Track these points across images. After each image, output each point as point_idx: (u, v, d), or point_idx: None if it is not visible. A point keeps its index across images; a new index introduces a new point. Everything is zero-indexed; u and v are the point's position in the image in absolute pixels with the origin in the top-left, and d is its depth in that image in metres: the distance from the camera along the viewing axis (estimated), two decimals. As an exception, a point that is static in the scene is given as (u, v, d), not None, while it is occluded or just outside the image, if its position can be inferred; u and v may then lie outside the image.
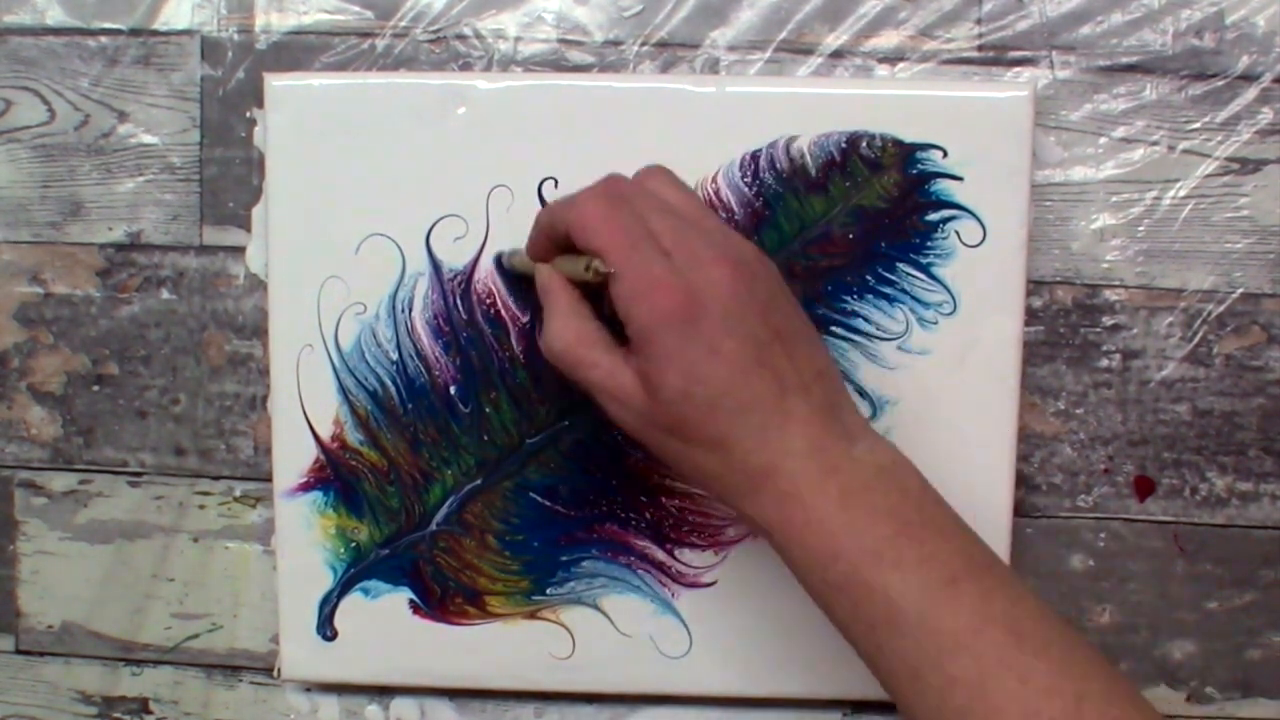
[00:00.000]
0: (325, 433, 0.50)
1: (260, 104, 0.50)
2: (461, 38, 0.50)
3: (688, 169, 0.48)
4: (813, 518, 0.37)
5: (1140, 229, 0.50)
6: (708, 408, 0.37)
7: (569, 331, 0.39)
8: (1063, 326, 0.50)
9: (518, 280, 0.49)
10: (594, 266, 0.38)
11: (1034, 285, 0.50)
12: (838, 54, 0.50)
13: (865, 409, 0.48)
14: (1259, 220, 0.49)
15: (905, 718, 0.37)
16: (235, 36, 0.51)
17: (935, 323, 0.48)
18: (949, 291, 0.48)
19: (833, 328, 0.48)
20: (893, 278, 0.48)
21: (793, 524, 0.37)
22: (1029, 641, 0.35)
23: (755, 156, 0.48)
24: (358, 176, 0.49)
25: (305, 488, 0.50)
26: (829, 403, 0.38)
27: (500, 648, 0.51)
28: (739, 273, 0.37)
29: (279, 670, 0.52)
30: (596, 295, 0.40)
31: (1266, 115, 0.49)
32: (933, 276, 0.48)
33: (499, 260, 0.48)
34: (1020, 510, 0.50)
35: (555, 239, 0.41)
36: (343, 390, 0.50)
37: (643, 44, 0.50)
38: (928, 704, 0.35)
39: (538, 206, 0.48)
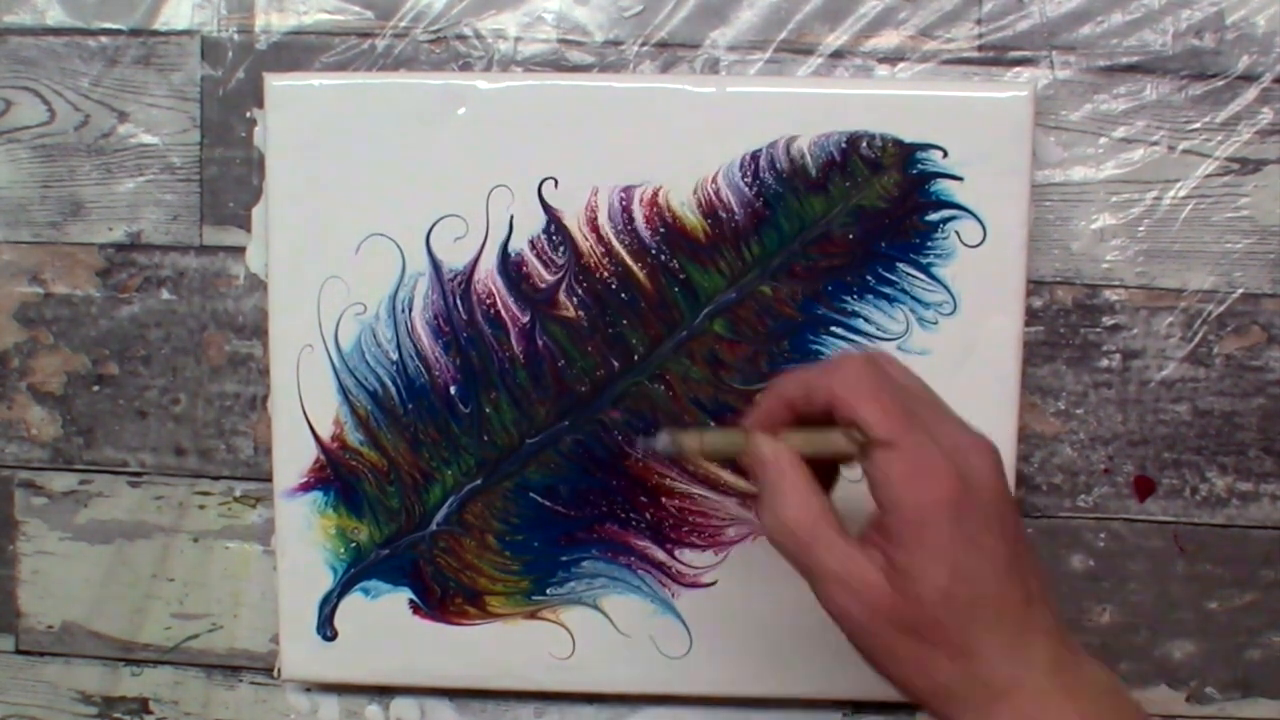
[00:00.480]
0: (325, 433, 0.50)
1: (260, 104, 0.50)
2: (461, 38, 0.50)
3: (688, 169, 0.48)
4: None
5: (1140, 229, 0.50)
6: (966, 610, 0.34)
7: (809, 509, 0.36)
8: (1063, 326, 0.50)
9: (518, 281, 0.49)
10: (858, 437, 0.35)
11: (1034, 285, 0.50)
12: (838, 54, 0.50)
13: (865, 409, 0.48)
14: (1259, 220, 0.49)
15: None
16: (235, 36, 0.51)
17: (935, 323, 0.48)
18: (949, 291, 0.48)
19: (833, 328, 0.48)
20: (893, 278, 0.48)
21: None
22: None
23: (755, 156, 0.48)
24: (358, 176, 0.49)
25: (305, 488, 0.50)
26: (1059, 615, 0.36)
27: (500, 648, 0.51)
28: (998, 466, 0.35)
29: (279, 670, 0.52)
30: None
31: (1266, 115, 0.49)
32: (933, 276, 0.48)
33: (651, 449, 0.43)
34: (1020, 510, 0.50)
35: (797, 410, 0.37)
36: (343, 390, 0.50)
37: (643, 44, 0.50)
38: None
39: (538, 206, 0.48)
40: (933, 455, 0.34)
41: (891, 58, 0.50)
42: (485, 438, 0.50)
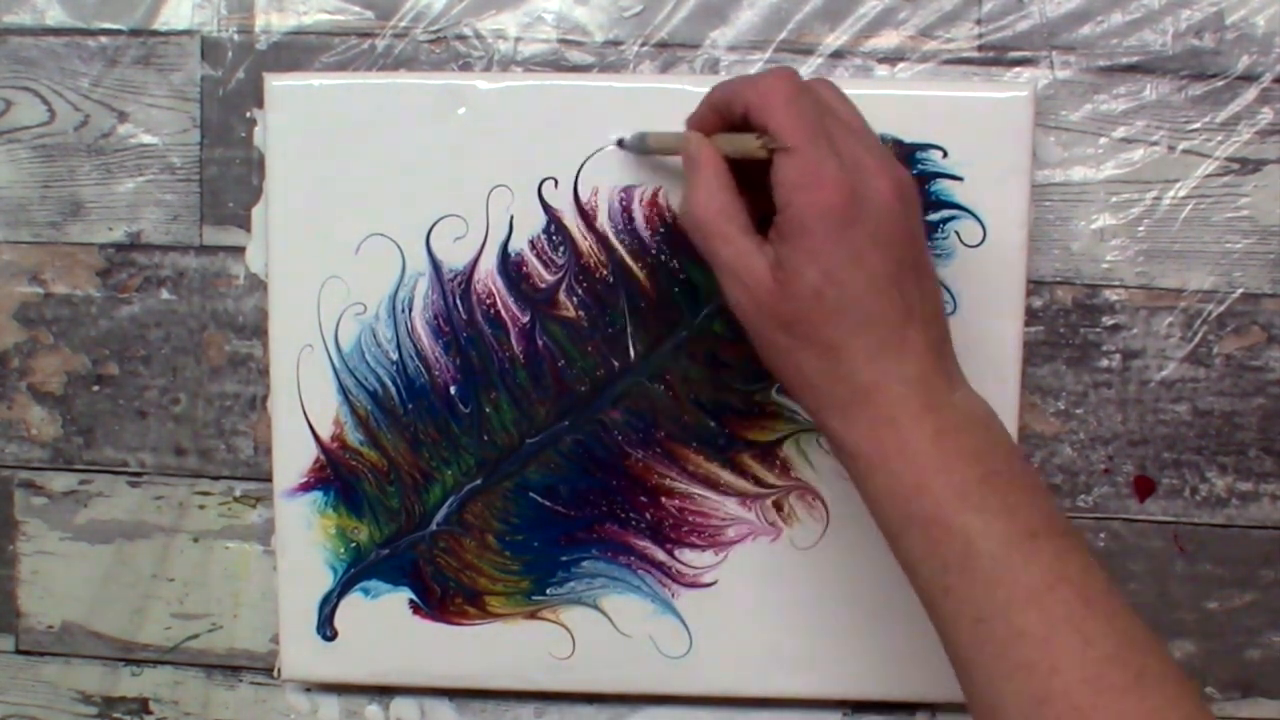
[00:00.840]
0: (325, 433, 0.50)
1: (260, 104, 0.50)
2: (461, 38, 0.50)
3: (688, 169, 0.48)
4: (906, 447, 0.37)
5: (1140, 229, 0.50)
6: (834, 311, 0.37)
7: (714, 202, 0.39)
8: (1063, 326, 0.50)
9: (518, 281, 0.49)
10: (767, 143, 0.37)
11: (1034, 285, 0.50)
12: (838, 54, 0.50)
13: (865, 409, 0.48)
14: (1259, 220, 0.49)
15: (956, 666, 0.37)
16: (235, 36, 0.51)
17: (935, 323, 0.48)
18: (949, 291, 0.48)
19: (833, 328, 0.48)
20: (893, 278, 0.48)
21: (884, 449, 0.37)
22: (1097, 608, 0.35)
23: (755, 156, 0.48)
24: (358, 176, 0.49)
25: (305, 488, 0.50)
26: (941, 342, 0.39)
27: (500, 648, 0.51)
28: (899, 191, 0.37)
29: (279, 670, 0.52)
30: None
31: (1266, 115, 0.49)
32: (933, 276, 0.48)
33: (621, 143, 0.47)
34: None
35: (724, 115, 0.41)
36: (343, 390, 0.50)
37: (643, 44, 0.50)
38: (986, 653, 0.35)
39: (538, 206, 0.48)
40: (829, 166, 0.36)
41: (891, 58, 0.50)
42: (485, 438, 0.50)
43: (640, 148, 0.46)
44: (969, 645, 0.36)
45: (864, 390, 0.37)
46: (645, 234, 0.48)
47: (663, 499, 0.50)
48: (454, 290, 0.49)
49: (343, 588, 0.51)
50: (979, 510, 0.36)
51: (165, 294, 0.52)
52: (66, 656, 0.55)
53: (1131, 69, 0.49)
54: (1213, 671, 0.52)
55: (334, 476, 0.50)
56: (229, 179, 0.51)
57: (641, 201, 0.48)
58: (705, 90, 0.47)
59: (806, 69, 0.50)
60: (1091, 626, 0.34)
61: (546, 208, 0.48)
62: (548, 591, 0.50)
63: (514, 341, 0.49)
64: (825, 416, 0.38)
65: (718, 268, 0.39)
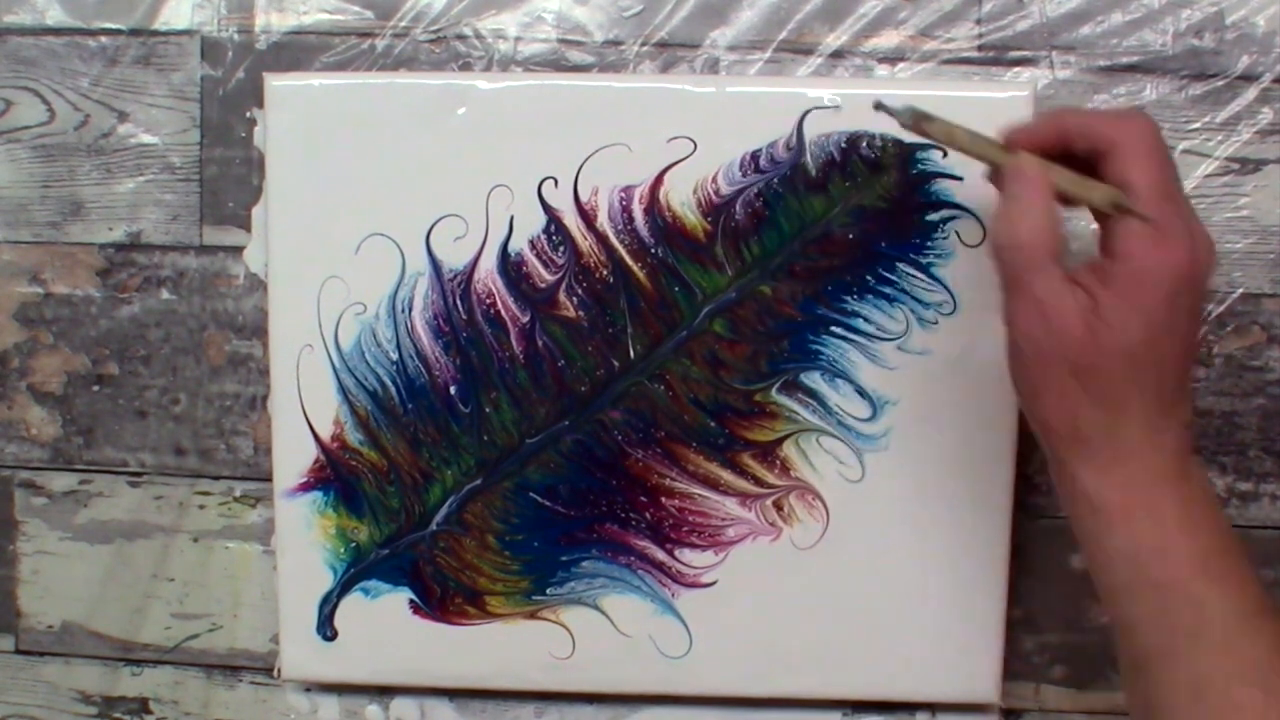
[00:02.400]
0: (325, 433, 0.50)
1: (260, 104, 0.50)
2: (461, 38, 0.50)
3: (688, 169, 0.48)
4: (1155, 510, 0.37)
5: (1140, 229, 0.50)
6: (1140, 371, 0.36)
7: (1039, 231, 0.37)
8: (1063, 326, 0.50)
9: (518, 281, 0.49)
10: (1126, 204, 0.36)
11: (1034, 285, 0.49)
12: (838, 54, 0.50)
13: (865, 409, 0.48)
14: (1259, 220, 0.49)
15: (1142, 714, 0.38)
16: (235, 36, 0.51)
17: (935, 323, 0.48)
18: (949, 291, 0.48)
19: (833, 328, 0.48)
20: (893, 278, 0.48)
21: (1131, 508, 0.37)
22: None
23: (755, 156, 0.48)
24: (358, 176, 0.49)
25: (305, 488, 0.50)
26: (1191, 413, 0.39)
27: (500, 648, 0.51)
28: (1213, 259, 0.37)
29: (279, 670, 0.52)
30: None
31: (1266, 115, 0.49)
32: (933, 276, 0.48)
33: (880, 105, 0.39)
34: (1020, 510, 0.50)
35: (1064, 143, 0.38)
36: (343, 390, 0.50)
37: (643, 44, 0.50)
38: (1194, 717, 0.36)
39: (538, 206, 0.48)
40: (1179, 227, 0.36)
41: (891, 58, 0.50)
42: (485, 438, 0.50)
43: (910, 122, 0.39)
44: (1182, 711, 0.36)
45: (1130, 450, 0.37)
46: (645, 234, 0.48)
47: (663, 499, 0.50)
48: (454, 290, 0.49)
49: (343, 588, 0.51)
50: (1217, 580, 0.36)
51: (165, 294, 0.52)
52: (66, 656, 0.55)
53: (1131, 69, 0.49)
54: (1213, 671, 0.51)
55: (334, 476, 0.50)
56: (229, 179, 0.51)
57: (641, 201, 0.48)
58: (705, 90, 0.48)
59: (806, 69, 0.50)
60: None
61: (546, 208, 0.48)
62: (548, 591, 0.50)
63: (514, 341, 0.49)
64: (1077, 466, 0.38)
65: (1022, 298, 0.37)
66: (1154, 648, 0.37)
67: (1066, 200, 0.38)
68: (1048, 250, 0.37)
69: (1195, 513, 0.37)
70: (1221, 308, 0.50)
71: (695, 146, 0.48)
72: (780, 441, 0.49)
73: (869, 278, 0.48)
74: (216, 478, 0.53)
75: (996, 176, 0.39)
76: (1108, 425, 0.37)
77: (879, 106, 0.40)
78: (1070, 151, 0.38)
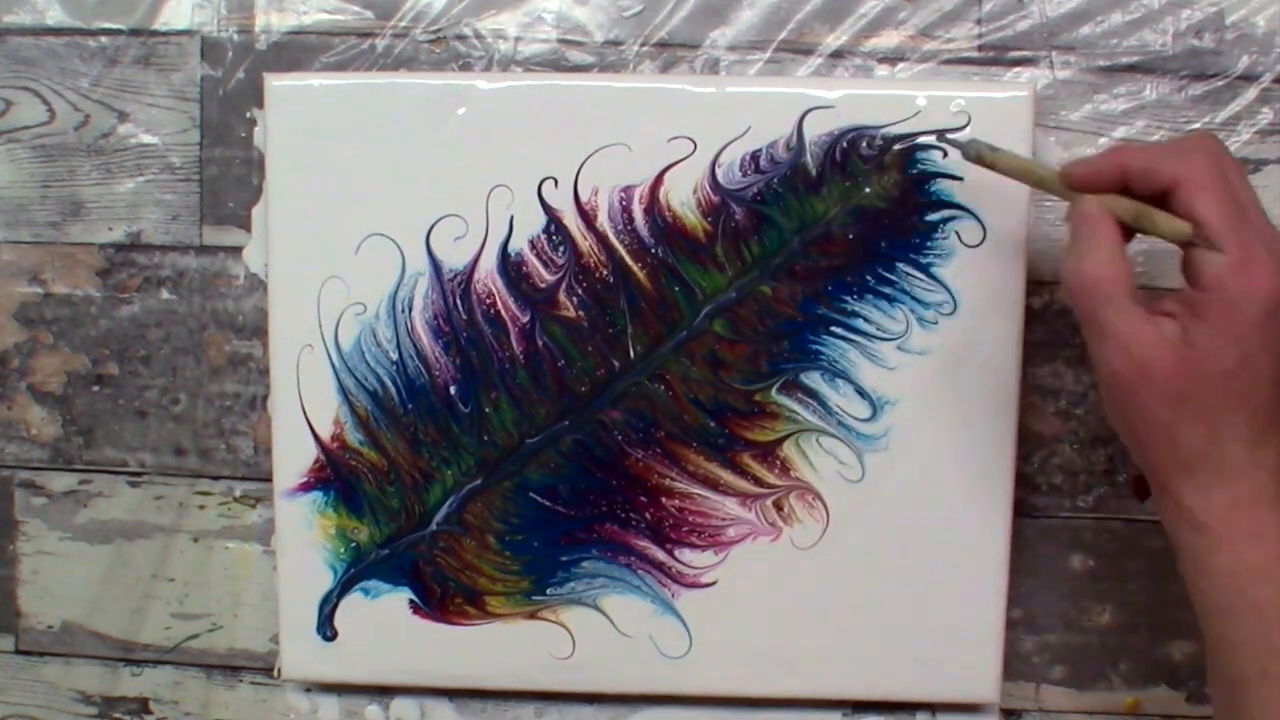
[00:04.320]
0: (325, 433, 0.50)
1: (260, 104, 0.50)
2: (461, 38, 0.50)
3: (688, 169, 0.48)
4: (1258, 532, 0.37)
5: (1140, 229, 0.50)
6: (1238, 395, 0.37)
7: (1110, 269, 0.38)
8: (1063, 326, 0.50)
9: (518, 281, 0.49)
10: (1191, 239, 0.37)
11: (1034, 285, 0.49)
12: (838, 54, 0.50)
13: (865, 409, 0.48)
14: (1259, 220, 0.49)
15: None
16: (235, 36, 0.51)
17: (935, 323, 0.48)
18: (949, 291, 0.48)
19: (833, 328, 0.48)
20: (893, 278, 0.48)
21: (1235, 530, 0.38)
22: None
23: (755, 156, 0.48)
24: (358, 176, 0.49)
25: (305, 488, 0.50)
26: None
27: (500, 648, 0.51)
28: None
29: (279, 670, 0.52)
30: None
31: (1266, 115, 0.49)
32: (933, 276, 0.48)
33: (944, 136, 0.45)
34: (1020, 510, 0.50)
35: (1127, 180, 0.39)
36: (343, 390, 0.50)
37: (643, 44, 0.50)
38: None
39: (538, 206, 0.48)
40: (1262, 253, 0.36)
41: (891, 58, 0.50)
42: (485, 438, 0.50)
43: (980, 158, 0.42)
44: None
45: (1234, 471, 0.38)
46: (645, 234, 0.48)
47: (663, 499, 0.50)
48: (454, 290, 0.49)
49: (343, 588, 0.51)
50: None
51: (165, 294, 0.52)
52: (66, 656, 0.55)
53: (1131, 69, 0.49)
54: (1213, 671, 0.52)
55: (334, 476, 0.50)
56: (229, 179, 0.51)
57: (641, 201, 0.48)
58: (705, 90, 0.48)
59: (806, 69, 0.50)
60: None
61: (546, 208, 0.48)
62: (548, 591, 0.50)
63: (514, 341, 0.49)
64: (1180, 488, 0.38)
65: (1102, 334, 0.38)
66: (1253, 669, 0.37)
67: (1136, 231, 0.39)
68: (1121, 287, 0.38)
69: None
70: (1221, 308, 0.50)
71: (695, 146, 0.48)
72: (780, 441, 0.49)
73: (869, 278, 0.48)
74: (216, 478, 0.53)
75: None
76: (1208, 449, 0.38)
77: (942, 138, 0.43)
78: (1131, 190, 0.39)
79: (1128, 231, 0.39)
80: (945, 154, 0.47)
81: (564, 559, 0.50)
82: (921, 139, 0.47)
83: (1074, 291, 0.39)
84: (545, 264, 0.49)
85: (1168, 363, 0.37)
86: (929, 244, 0.48)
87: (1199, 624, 0.39)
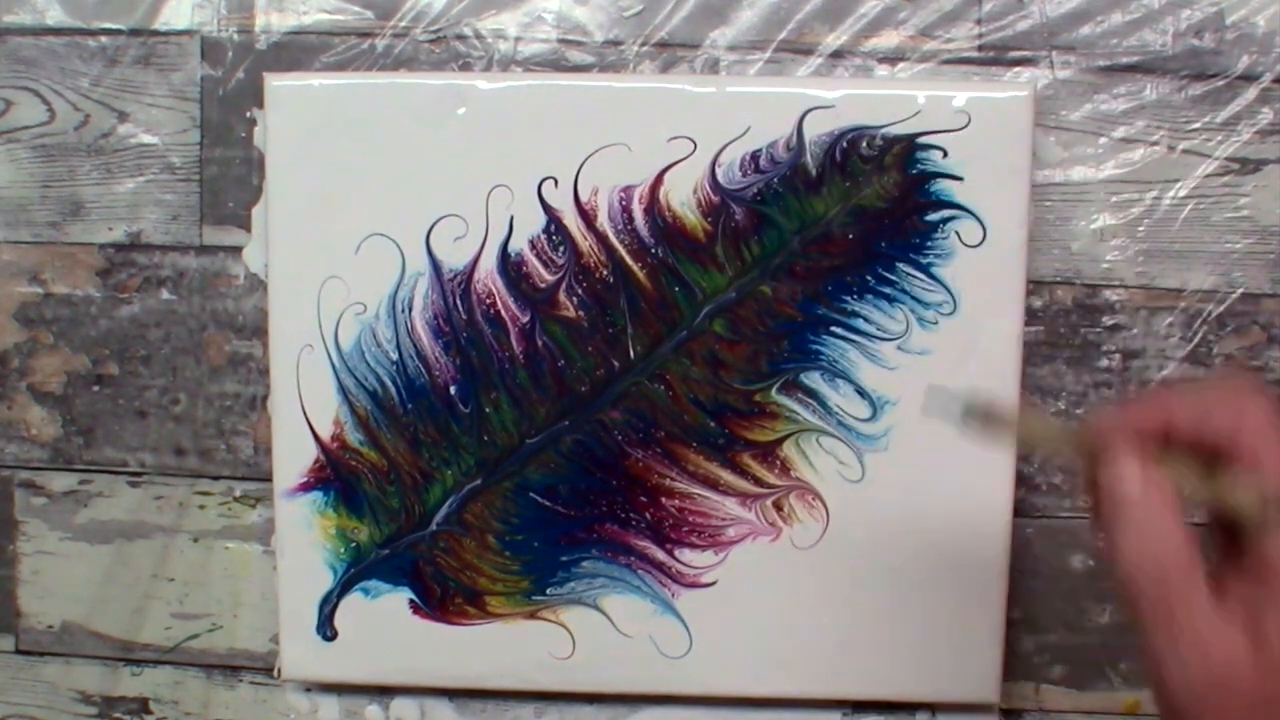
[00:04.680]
0: (325, 433, 0.50)
1: (260, 104, 0.50)
2: (461, 38, 0.50)
3: (688, 169, 0.48)
4: None
5: (1140, 229, 0.50)
6: None
7: (1180, 556, 0.32)
8: (1063, 326, 0.50)
9: (518, 281, 0.49)
10: (1269, 502, 0.31)
11: (1034, 285, 0.50)
12: (838, 54, 0.50)
13: (865, 409, 0.48)
14: (1259, 220, 0.49)
15: None
16: (235, 36, 0.51)
17: (935, 323, 0.48)
18: (949, 291, 0.48)
19: (833, 328, 0.48)
20: (893, 278, 0.48)
21: None
22: None
23: (755, 156, 0.48)
24: (358, 176, 0.49)
25: (305, 488, 0.50)
26: None
27: (500, 648, 0.51)
28: None
29: (279, 670, 0.52)
30: None
31: (1266, 115, 0.49)
32: (933, 276, 0.48)
33: (965, 413, 0.36)
34: (1020, 510, 0.50)
35: (1182, 434, 0.33)
36: (343, 390, 0.50)
37: (643, 44, 0.50)
38: None
39: (538, 206, 0.48)
40: None
41: (891, 58, 0.50)
42: (485, 438, 0.50)
43: (983, 421, 0.36)
44: None
45: None
46: (645, 234, 0.48)
47: (663, 499, 0.50)
48: (454, 290, 0.49)
49: (343, 588, 0.51)
50: None
51: (165, 294, 0.52)
52: (66, 656, 0.55)
53: (1131, 69, 0.49)
54: (1213, 671, 0.51)
55: (334, 476, 0.50)
56: (229, 179, 0.51)
57: (641, 201, 0.48)
58: (705, 90, 0.48)
59: (806, 69, 0.50)
60: None
61: (546, 208, 0.48)
62: (548, 591, 0.50)
63: (514, 341, 0.49)
64: None
65: (1170, 635, 0.32)
66: None
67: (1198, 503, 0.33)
68: (1184, 574, 0.31)
69: None
70: (1221, 308, 0.50)
71: (695, 146, 0.48)
72: (780, 441, 0.49)
73: (869, 278, 0.48)
74: (216, 478, 0.53)
75: (1090, 480, 0.34)
76: None
77: (931, 394, 0.36)
78: (1173, 444, 0.33)
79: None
80: (945, 154, 0.47)
81: (564, 559, 0.50)
82: (933, 150, 0.47)
83: (1134, 581, 0.32)
84: (545, 264, 0.49)
85: (1248, 667, 0.31)
86: (929, 244, 0.48)
87: None
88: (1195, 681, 0.32)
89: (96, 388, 0.53)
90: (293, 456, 0.50)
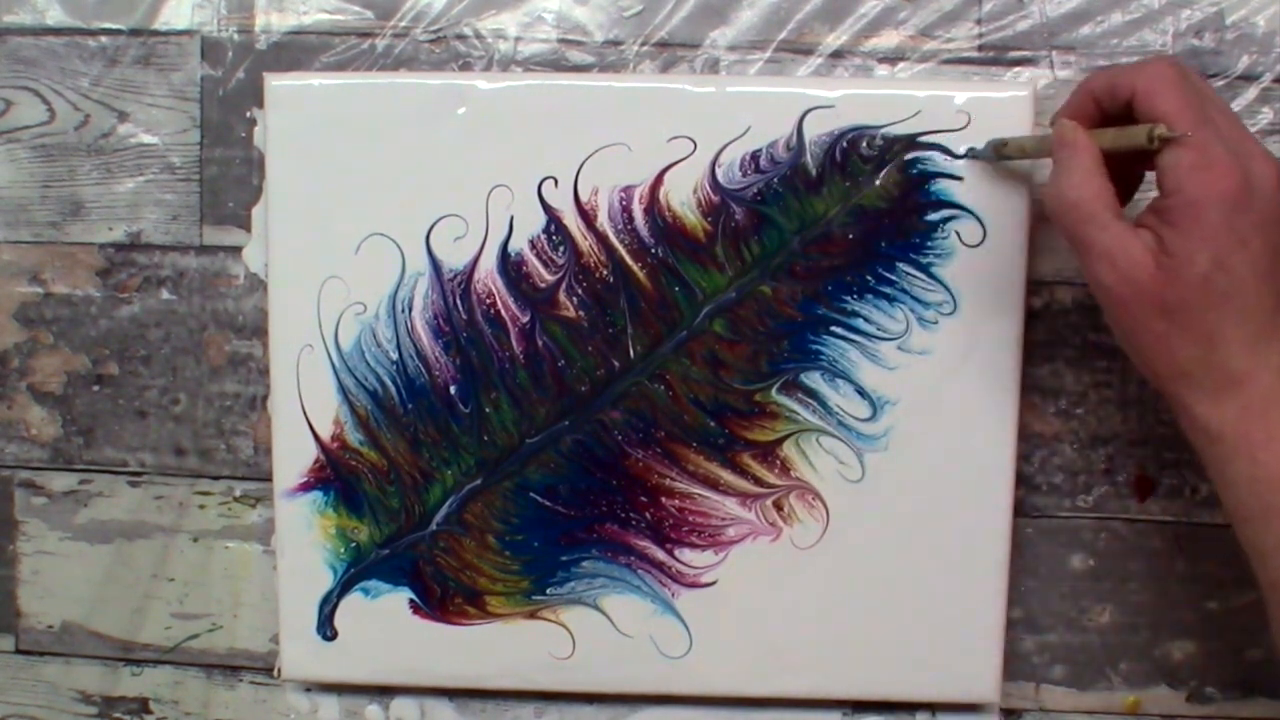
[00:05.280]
0: (325, 433, 0.50)
1: (260, 104, 0.50)
2: (461, 38, 0.50)
3: (688, 169, 0.48)
4: (1274, 438, 0.37)
5: (1140, 229, 0.50)
6: (1220, 297, 0.37)
7: (1088, 187, 0.39)
8: (1063, 326, 0.50)
9: (518, 281, 0.49)
10: (1159, 133, 0.37)
11: (1034, 285, 0.49)
12: (838, 54, 0.50)
13: (865, 409, 0.48)
14: (1259, 220, 0.49)
15: None
16: (235, 36, 0.51)
17: (935, 323, 0.48)
18: (949, 291, 0.48)
19: (833, 328, 0.48)
20: (893, 278, 0.48)
21: (1251, 437, 0.37)
22: None
23: (755, 156, 0.48)
24: (358, 176, 0.49)
25: (305, 488, 0.50)
26: None
27: (500, 648, 0.51)
28: (1274, 172, 0.38)
29: (279, 670, 0.52)
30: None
31: (1266, 115, 0.49)
32: (933, 276, 0.48)
33: (971, 152, 0.47)
34: (1020, 510, 0.50)
35: (1102, 102, 0.41)
36: (343, 390, 0.50)
37: (643, 44, 0.50)
38: None
39: (538, 206, 0.48)
40: (1220, 152, 0.37)
41: (891, 58, 0.50)
42: (485, 438, 0.50)
43: (994, 154, 0.46)
44: None
45: (1237, 378, 0.37)
46: (645, 234, 0.48)
47: (663, 499, 0.50)
48: (454, 290, 0.49)
49: (343, 588, 0.51)
50: None
51: (165, 294, 0.52)
52: (66, 656, 0.55)
53: (1131, 69, 0.49)
54: (1213, 671, 0.52)
55: (334, 476, 0.50)
56: (229, 179, 0.51)
57: (641, 201, 0.48)
58: (705, 90, 0.48)
59: (806, 69, 0.50)
60: None
61: (546, 207, 0.48)
62: (548, 591, 0.50)
63: (514, 341, 0.49)
64: (1191, 401, 0.38)
65: (1088, 253, 0.39)
66: None
67: (1120, 159, 0.39)
68: (1101, 203, 0.38)
69: None
70: (1221, 308, 0.50)
71: (695, 146, 0.48)
72: (780, 441, 0.49)
73: (869, 278, 0.48)
74: (216, 478, 0.53)
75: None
76: (1206, 357, 0.37)
77: (970, 154, 0.46)
78: (1106, 113, 0.40)
79: (1116, 158, 0.39)
80: (945, 153, 0.47)
81: (564, 559, 0.50)
82: (933, 150, 0.47)
83: (1057, 213, 0.39)
84: (545, 264, 0.49)
85: (1149, 273, 0.37)
86: (929, 244, 0.48)
87: (1235, 531, 0.39)
88: (1116, 287, 0.38)
89: (96, 388, 0.53)
90: (293, 456, 0.50)
